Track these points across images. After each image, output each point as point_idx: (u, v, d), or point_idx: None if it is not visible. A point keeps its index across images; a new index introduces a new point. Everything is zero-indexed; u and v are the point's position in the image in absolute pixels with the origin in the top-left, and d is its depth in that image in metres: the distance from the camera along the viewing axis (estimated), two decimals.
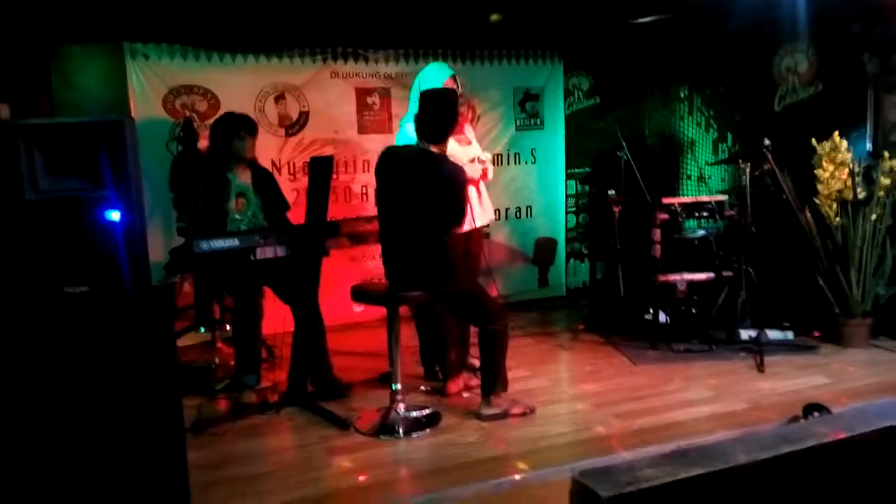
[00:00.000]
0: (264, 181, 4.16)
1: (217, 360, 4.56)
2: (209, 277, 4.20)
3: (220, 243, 3.51)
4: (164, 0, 4.39)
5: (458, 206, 3.44)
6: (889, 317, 4.59)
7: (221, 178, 3.99)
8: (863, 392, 3.75)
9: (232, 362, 4.20)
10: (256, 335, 4.05)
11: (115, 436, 2.46)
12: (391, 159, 3.54)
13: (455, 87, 3.97)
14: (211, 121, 4.84)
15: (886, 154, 4.45)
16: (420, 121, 3.48)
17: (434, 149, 3.45)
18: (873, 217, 4.42)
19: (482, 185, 4.08)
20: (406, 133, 3.76)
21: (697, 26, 5.29)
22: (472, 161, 3.93)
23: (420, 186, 3.39)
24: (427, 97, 3.55)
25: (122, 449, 2.46)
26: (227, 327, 4.65)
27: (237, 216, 4.01)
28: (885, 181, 4.38)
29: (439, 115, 3.47)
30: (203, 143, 4.60)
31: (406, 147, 3.60)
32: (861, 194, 4.44)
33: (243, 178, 4.06)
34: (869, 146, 4.80)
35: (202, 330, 4.85)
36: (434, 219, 3.40)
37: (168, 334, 2.76)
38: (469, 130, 4.19)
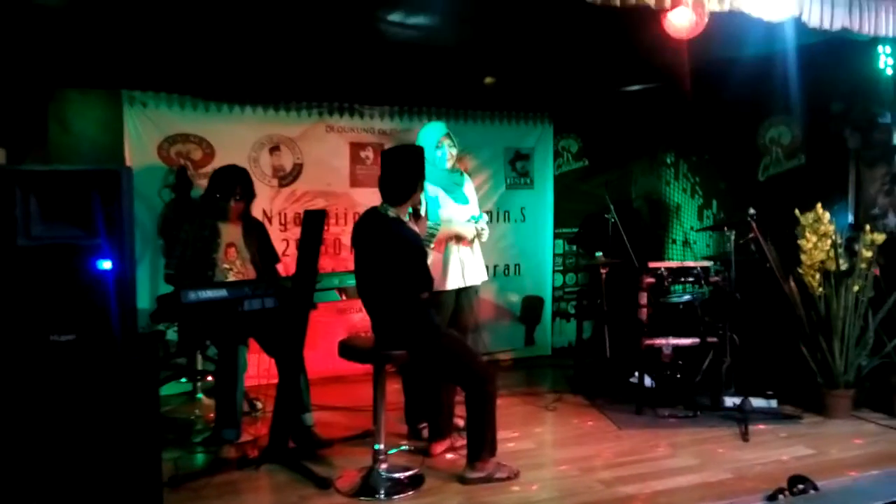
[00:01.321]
0: (256, 232, 4.17)
1: (197, 412, 4.48)
2: (195, 327, 4.16)
3: (208, 293, 3.50)
4: (164, 50, 4.46)
5: (418, 270, 3.38)
6: (872, 388, 4.62)
7: (212, 228, 4.00)
8: (846, 464, 3.74)
9: (212, 415, 4.13)
10: (239, 388, 3.99)
11: (95, 487, 2.40)
12: (360, 223, 3.53)
13: (451, 146, 4.03)
14: (206, 169, 4.89)
15: (868, 227, 4.54)
16: (381, 182, 3.46)
17: (393, 212, 3.42)
18: (856, 288, 4.48)
19: (476, 245, 4.10)
20: None
21: (685, 95, 5.45)
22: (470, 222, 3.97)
23: (378, 251, 3.38)
24: (387, 155, 3.53)
25: (101, 501, 2.40)
26: (210, 378, 4.58)
27: (226, 266, 4.00)
28: (867, 254, 4.47)
29: (399, 173, 3.44)
30: (198, 190, 4.62)
31: (371, 210, 3.54)
32: (843, 266, 4.51)
33: (234, 228, 4.07)
34: (851, 218, 4.91)
35: (184, 381, 4.78)
36: (398, 282, 3.36)
37: (152, 384, 2.73)
38: (470, 187, 4.23)
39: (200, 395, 4.73)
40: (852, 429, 4.35)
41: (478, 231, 4.04)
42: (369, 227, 3.46)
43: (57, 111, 4.71)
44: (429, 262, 3.52)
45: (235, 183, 4.02)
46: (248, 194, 4.09)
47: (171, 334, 4.46)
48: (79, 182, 2.48)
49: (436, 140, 3.99)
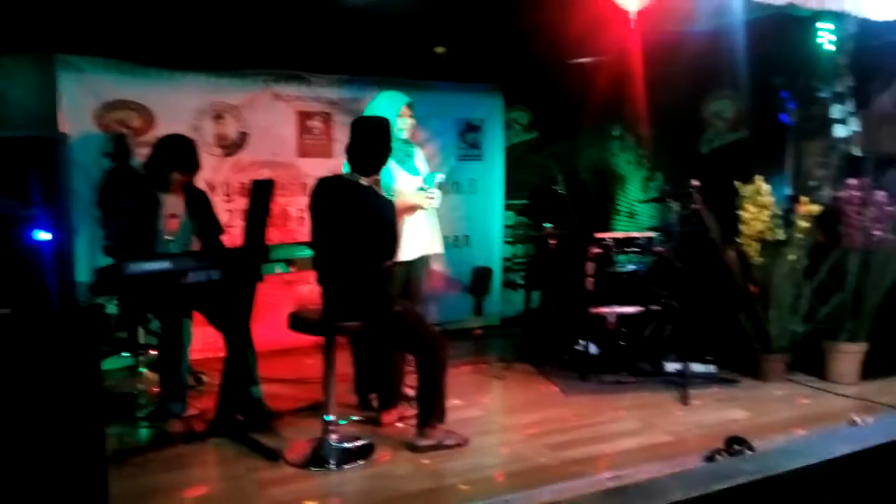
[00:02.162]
0: (199, 202, 4.06)
1: (140, 387, 4.38)
2: (136, 300, 4.05)
3: (150, 265, 3.40)
4: (101, 12, 4.26)
5: (389, 240, 3.41)
6: (804, 353, 4.83)
7: (153, 198, 3.88)
8: (780, 425, 3.92)
9: (156, 389, 4.05)
10: (184, 361, 3.92)
11: (37, 465, 2.34)
12: (323, 190, 3.48)
13: (410, 116, 3.97)
14: (145, 137, 4.73)
15: (804, 198, 4.71)
16: (351, 151, 3.45)
17: (365, 181, 3.43)
18: (791, 257, 4.65)
19: (433, 214, 4.06)
20: None
21: (632, 68, 5.51)
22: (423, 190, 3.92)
23: (350, 219, 3.36)
24: (359, 126, 3.51)
25: (42, 479, 2.34)
26: (152, 352, 4.48)
27: (168, 237, 3.90)
28: (803, 224, 4.63)
29: (371, 145, 3.44)
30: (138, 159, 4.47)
31: (337, 177, 3.53)
32: (781, 235, 4.67)
33: (177, 198, 3.96)
34: (788, 190, 5.07)
35: (126, 355, 4.66)
36: (366, 251, 3.37)
37: (93, 358, 2.66)
38: (421, 156, 4.20)
39: (143, 370, 4.62)
40: (786, 392, 4.55)
41: (428, 196, 3.98)
42: (337, 193, 3.42)
43: None
44: None
45: (180, 154, 3.90)
46: (193, 165, 3.97)
47: (111, 308, 4.34)
48: (13, 150, 2.37)
49: (397, 110, 3.91)
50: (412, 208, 3.95)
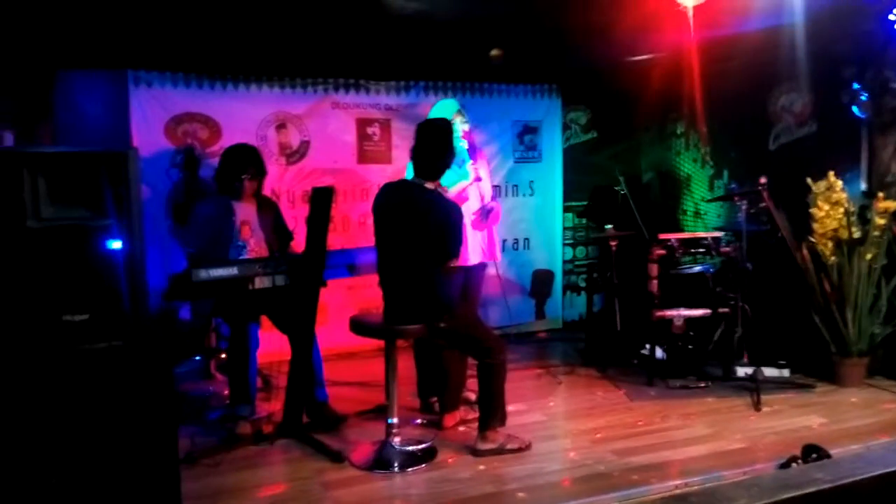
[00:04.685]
0: (269, 210, 4.18)
1: (212, 390, 4.52)
2: (206, 306, 4.18)
3: (218, 272, 3.50)
4: (168, 28, 4.43)
5: (452, 243, 3.44)
6: (885, 356, 4.60)
7: (227, 206, 4.00)
8: (860, 433, 3.74)
9: (227, 391, 4.17)
10: (252, 365, 4.02)
11: (111, 466, 2.44)
12: (387, 195, 3.56)
13: (463, 123, 4.04)
14: (213, 148, 4.89)
15: (881, 194, 4.49)
16: (415, 155, 3.51)
17: (429, 185, 3.48)
18: (868, 256, 4.45)
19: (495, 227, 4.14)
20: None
21: (694, 64, 5.37)
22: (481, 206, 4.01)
23: (414, 223, 3.41)
24: (422, 130, 3.57)
25: (117, 479, 2.44)
26: (223, 356, 4.62)
27: (240, 244, 4.01)
28: (880, 221, 4.42)
29: (433, 150, 3.49)
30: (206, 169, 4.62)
31: (402, 182, 3.64)
32: (856, 234, 4.48)
33: (248, 206, 4.07)
34: (863, 186, 4.85)
35: (198, 358, 4.82)
36: (428, 255, 3.41)
37: (166, 363, 2.75)
38: (483, 166, 4.23)
39: (214, 374, 4.78)
40: (865, 397, 4.35)
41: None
42: (403, 196, 3.49)
43: (63, 92, 4.70)
44: None
45: (248, 161, 4.03)
46: (260, 172, 4.10)
47: (185, 313, 4.50)
48: (86, 163, 2.48)
49: (449, 117, 3.99)
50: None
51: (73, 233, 2.43)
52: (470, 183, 4.05)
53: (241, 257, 3.92)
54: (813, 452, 3.25)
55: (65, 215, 2.43)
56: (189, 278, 3.42)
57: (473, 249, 4.04)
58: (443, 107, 4.13)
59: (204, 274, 3.43)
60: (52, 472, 2.36)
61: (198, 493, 3.08)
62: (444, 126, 3.61)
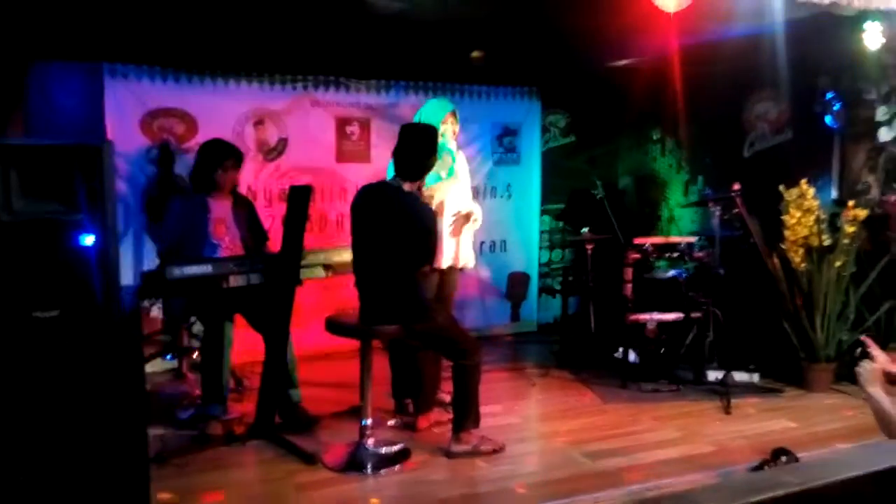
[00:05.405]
0: (245, 209, 4.14)
1: (183, 389, 4.47)
2: (179, 304, 4.14)
3: (192, 269, 3.47)
4: (146, 20, 4.37)
5: (427, 246, 3.44)
6: (852, 362, 4.66)
7: (202, 204, 3.96)
8: (827, 437, 3.81)
9: (198, 391, 4.13)
10: (224, 364, 3.98)
11: (80, 464, 2.40)
12: (365, 196, 3.54)
13: (454, 123, 4.03)
14: (188, 144, 4.84)
15: (851, 203, 4.58)
16: (396, 156, 3.50)
17: (407, 186, 3.47)
18: (837, 264, 4.52)
19: (469, 229, 4.11)
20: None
21: (671, 70, 5.44)
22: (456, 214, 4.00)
23: (389, 224, 3.39)
24: (406, 132, 3.57)
25: (86, 479, 2.40)
26: (195, 355, 4.57)
27: (215, 242, 3.97)
28: (850, 229, 4.50)
29: (416, 151, 3.48)
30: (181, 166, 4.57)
31: (381, 184, 3.62)
32: (826, 241, 4.55)
33: (224, 203, 4.03)
34: (834, 194, 4.94)
35: (169, 357, 4.76)
36: (404, 257, 3.40)
37: (137, 361, 2.71)
38: (464, 169, 4.21)
39: (185, 373, 4.72)
40: (832, 402, 4.42)
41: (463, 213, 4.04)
42: (380, 198, 3.47)
43: (36, 84, 4.61)
44: None
45: (226, 152, 3.99)
46: (237, 161, 4.06)
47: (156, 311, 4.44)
48: (60, 157, 2.43)
49: (441, 117, 3.98)
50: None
51: (44, 227, 2.39)
52: (451, 183, 4.04)
53: (215, 255, 3.88)
54: (782, 455, 3.31)
55: (37, 209, 2.38)
56: (163, 276, 3.38)
57: (457, 253, 4.05)
58: (438, 106, 4.07)
59: (178, 271, 3.39)
60: (20, 470, 2.31)
61: (168, 492, 3.04)
62: (429, 130, 3.61)
